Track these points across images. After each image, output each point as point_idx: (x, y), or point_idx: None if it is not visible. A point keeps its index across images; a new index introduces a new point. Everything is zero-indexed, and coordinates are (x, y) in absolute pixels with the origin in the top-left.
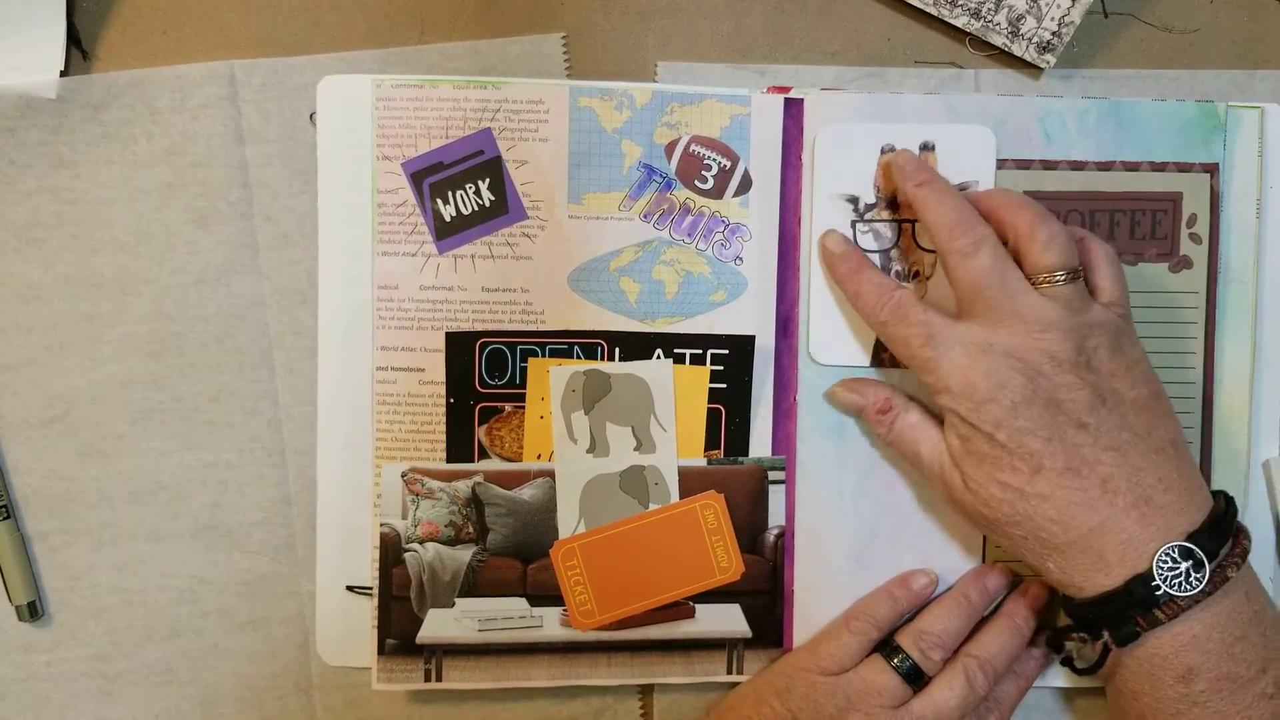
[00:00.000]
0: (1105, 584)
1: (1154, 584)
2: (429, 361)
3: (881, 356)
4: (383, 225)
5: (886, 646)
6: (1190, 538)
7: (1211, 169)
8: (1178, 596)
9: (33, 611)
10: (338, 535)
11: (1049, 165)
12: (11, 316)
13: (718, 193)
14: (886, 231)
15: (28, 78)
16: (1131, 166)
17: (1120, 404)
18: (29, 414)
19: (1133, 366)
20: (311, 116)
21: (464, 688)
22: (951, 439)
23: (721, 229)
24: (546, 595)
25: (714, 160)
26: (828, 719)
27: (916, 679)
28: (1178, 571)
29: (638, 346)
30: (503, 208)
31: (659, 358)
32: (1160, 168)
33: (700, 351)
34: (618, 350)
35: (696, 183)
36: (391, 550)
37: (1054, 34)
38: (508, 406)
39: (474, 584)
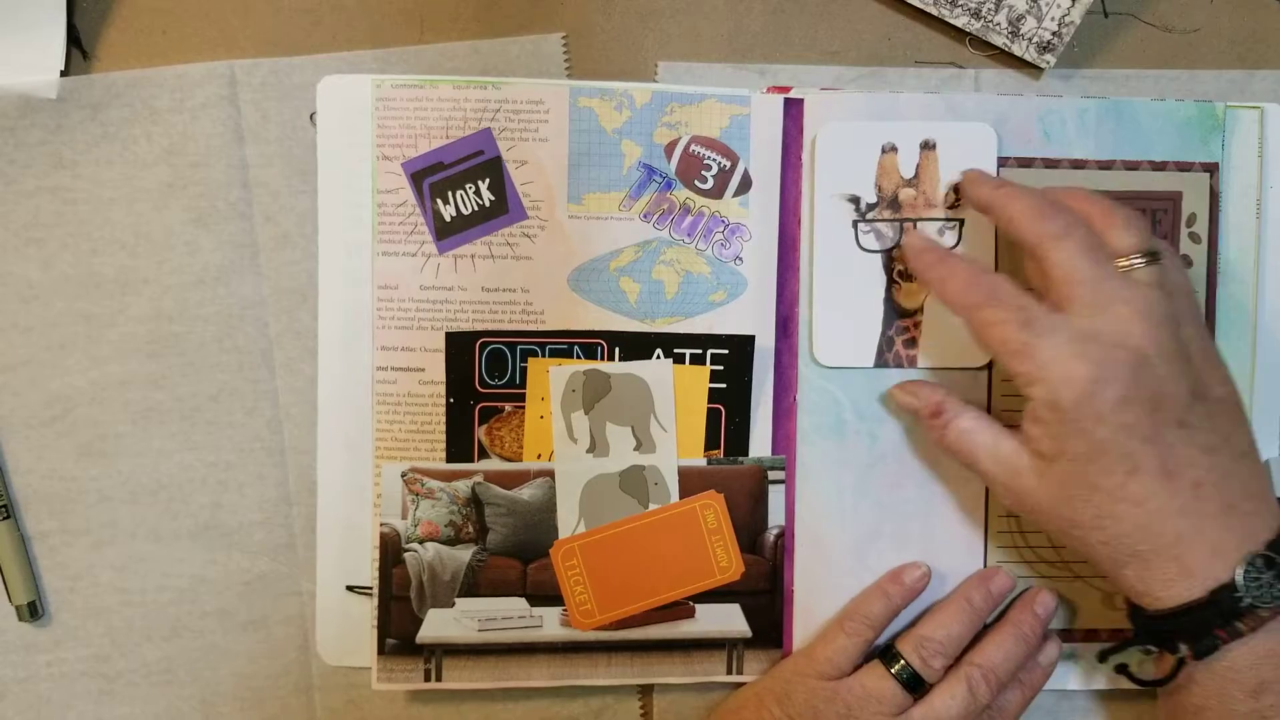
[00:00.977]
0: (1187, 595)
1: (1238, 594)
2: (429, 361)
3: (884, 357)
4: (383, 225)
5: (887, 653)
6: (1271, 547)
7: (1211, 168)
8: (1260, 608)
9: (33, 611)
10: (338, 535)
11: (1050, 164)
12: (11, 316)
13: (717, 193)
14: (888, 231)
15: (28, 78)
16: (1132, 166)
17: (1212, 401)
18: (29, 414)
19: (1219, 362)
20: (311, 116)
21: (464, 687)
22: (1037, 434)
23: (721, 229)
24: (546, 595)
25: (714, 160)
26: None
27: (917, 686)
28: (1260, 582)
29: (638, 346)
30: (503, 208)
31: (659, 358)
32: (1160, 167)
33: (700, 351)
34: (618, 350)
35: (696, 183)
36: (391, 550)
37: (1054, 34)
38: (508, 406)
39: (474, 584)
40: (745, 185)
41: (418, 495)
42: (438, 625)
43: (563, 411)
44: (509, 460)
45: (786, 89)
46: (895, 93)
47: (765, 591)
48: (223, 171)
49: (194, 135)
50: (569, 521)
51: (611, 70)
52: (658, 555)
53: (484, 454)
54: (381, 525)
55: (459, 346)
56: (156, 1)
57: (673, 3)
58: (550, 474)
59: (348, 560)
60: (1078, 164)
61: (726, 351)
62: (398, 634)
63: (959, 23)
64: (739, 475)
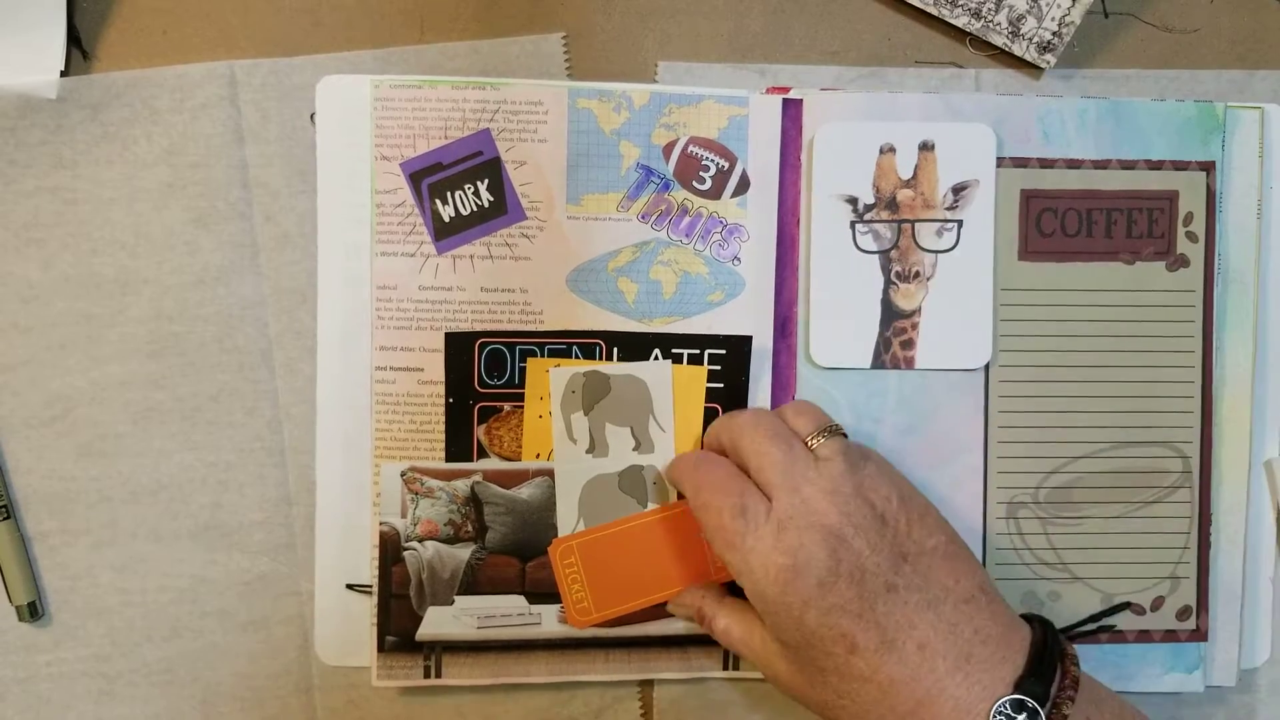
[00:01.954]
0: None
1: None
2: (428, 361)
3: (882, 358)
4: (382, 225)
5: None
6: (1018, 686)
7: (1208, 167)
8: None
9: (33, 611)
10: (337, 534)
11: (1046, 163)
12: (11, 316)
13: (715, 193)
14: (886, 232)
15: (28, 78)
16: (1128, 165)
17: (922, 556)
18: (29, 414)
19: (924, 514)
20: (311, 117)
21: (463, 684)
22: (764, 627)
23: (719, 229)
24: (545, 593)
25: (712, 161)
26: None
27: None
28: None
29: (636, 346)
30: (501, 208)
31: (657, 358)
32: (1157, 166)
33: (698, 351)
34: (616, 350)
35: (694, 183)
36: (391, 549)
37: (1054, 34)
38: (506, 406)
39: (473, 582)
40: (743, 186)
41: (417, 494)
42: (437, 623)
43: (562, 412)
44: (508, 460)
45: (786, 89)
46: (895, 93)
47: None
48: (223, 172)
49: (194, 135)
50: (568, 521)
51: (611, 70)
52: (655, 554)
53: (483, 453)
54: (381, 524)
55: (458, 346)
56: (156, 1)
57: (673, 3)
58: (549, 473)
59: (347, 559)
60: (1073, 163)
61: (724, 352)
62: (397, 631)
63: (959, 23)
64: None
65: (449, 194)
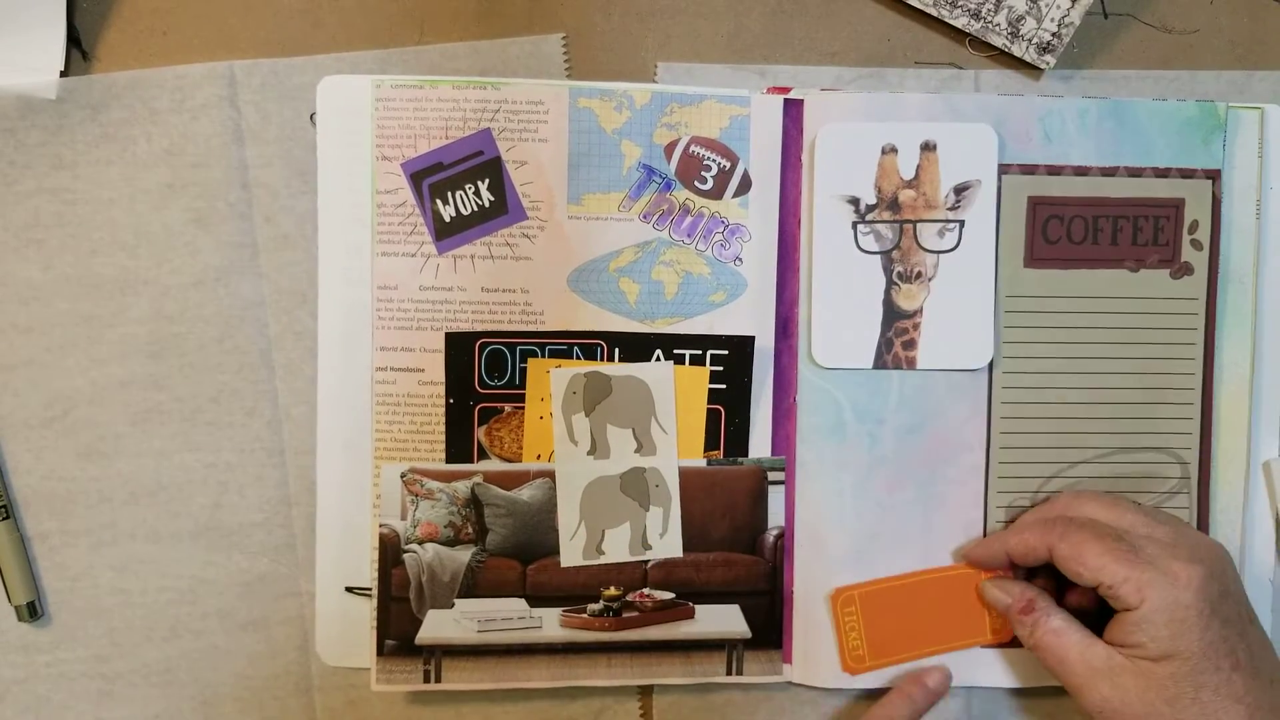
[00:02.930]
0: None
1: None
2: (428, 362)
3: (884, 358)
4: (382, 226)
5: None
6: None
7: (1214, 175)
8: None
9: (32, 612)
10: (337, 536)
11: (1053, 170)
12: (11, 317)
13: (717, 193)
14: (887, 233)
15: (28, 78)
16: (1135, 172)
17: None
18: (29, 414)
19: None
20: (311, 117)
21: (463, 688)
22: (1145, 638)
23: (721, 229)
24: (546, 596)
25: (713, 161)
26: None
27: None
28: None
29: (637, 347)
30: (502, 208)
31: (659, 358)
32: (1163, 174)
33: (700, 352)
34: (617, 351)
35: (696, 183)
36: (391, 551)
37: (1054, 35)
38: (507, 407)
39: (473, 585)
40: (745, 186)
41: (417, 496)
42: (437, 626)
43: (563, 414)
44: (508, 461)
45: (786, 89)
46: (895, 93)
47: (765, 592)
48: (222, 172)
49: (194, 136)
50: (569, 524)
51: (611, 71)
52: (934, 611)
53: (483, 455)
54: (381, 526)
55: (458, 347)
56: (156, 2)
57: (673, 3)
58: (550, 475)
59: (347, 561)
60: (1080, 171)
61: (726, 352)
62: (397, 635)
63: (959, 24)
64: (739, 476)
65: (450, 194)
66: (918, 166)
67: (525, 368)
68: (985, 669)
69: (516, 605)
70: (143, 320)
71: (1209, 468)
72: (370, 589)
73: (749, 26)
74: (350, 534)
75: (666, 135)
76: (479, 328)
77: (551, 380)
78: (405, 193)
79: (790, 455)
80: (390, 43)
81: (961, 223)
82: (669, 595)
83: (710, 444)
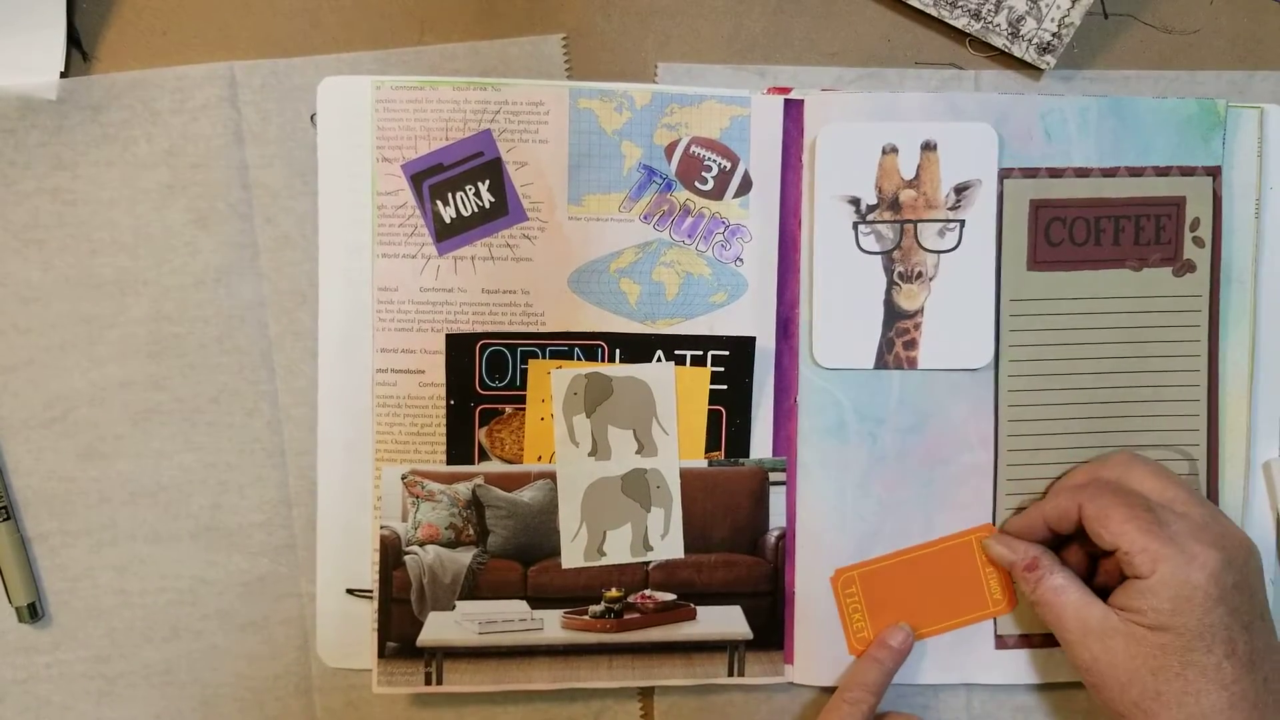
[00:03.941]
0: None
1: None
2: (429, 363)
3: (885, 359)
4: (383, 227)
5: None
6: None
7: (1214, 172)
8: None
9: (33, 612)
10: (338, 537)
11: (1055, 173)
12: (11, 317)
13: (718, 194)
14: (888, 233)
15: (28, 79)
16: (1136, 172)
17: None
18: (29, 415)
19: None
20: (312, 118)
21: (464, 690)
22: (1146, 606)
23: (721, 230)
24: (547, 598)
25: (714, 161)
26: None
27: None
28: None
29: (638, 348)
30: (503, 209)
31: (659, 359)
32: (1164, 172)
33: (701, 353)
34: (618, 352)
35: (696, 184)
36: (392, 553)
37: (1054, 35)
38: (508, 408)
39: (474, 586)
40: (745, 186)
41: (418, 498)
42: (438, 628)
43: (564, 414)
44: (509, 462)
45: (787, 90)
46: (895, 93)
47: (766, 593)
48: (223, 173)
49: (194, 136)
50: (570, 525)
51: (611, 71)
52: (933, 585)
53: (484, 456)
54: (381, 528)
55: (459, 348)
56: (156, 2)
57: (673, 4)
58: (551, 476)
59: (348, 562)
60: (1081, 172)
61: (727, 353)
62: (398, 637)
63: (959, 24)
64: (740, 477)
65: (450, 195)
66: (918, 166)
67: (526, 369)
68: (985, 667)
69: (518, 607)
70: (143, 320)
71: (1216, 467)
72: (371, 591)
73: (749, 27)
74: (351, 535)
75: (667, 136)
76: (479, 329)
77: (552, 381)
78: (406, 194)
79: (791, 456)
80: (390, 43)
81: (962, 222)
82: (670, 596)
83: (711, 445)
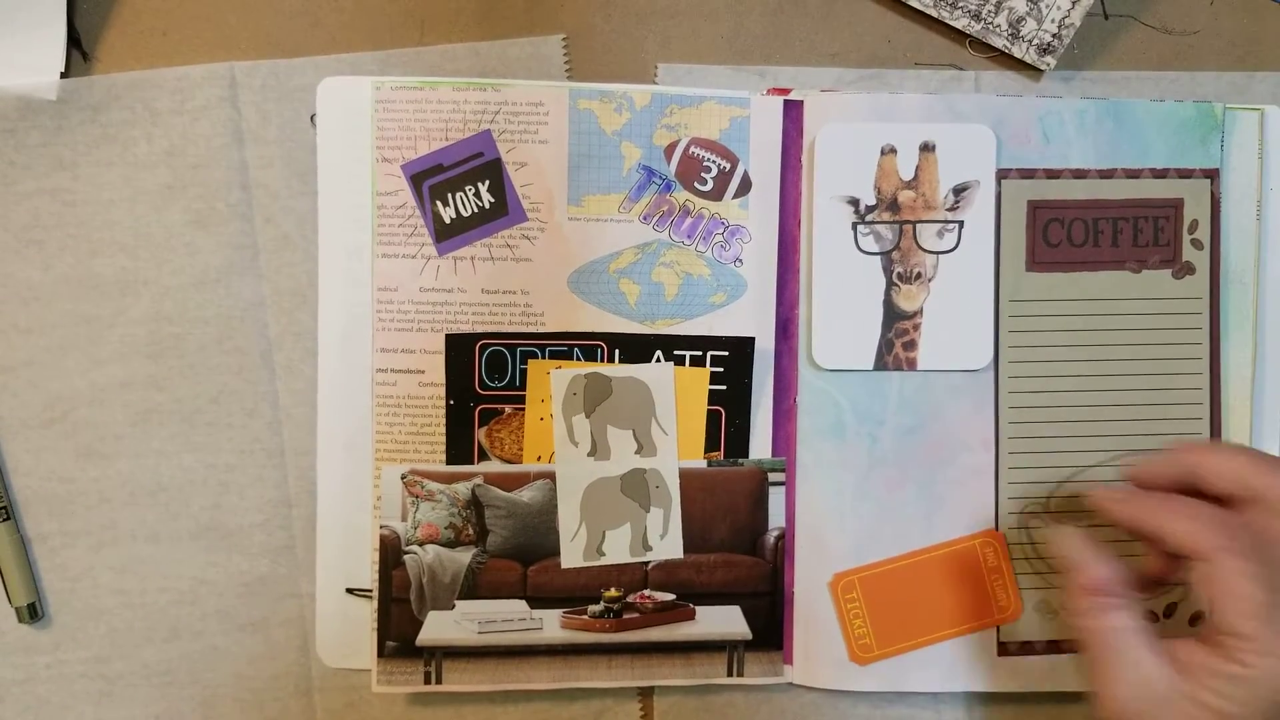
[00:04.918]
0: None
1: None
2: (429, 363)
3: (884, 360)
4: (382, 227)
5: None
6: None
7: (1212, 174)
8: None
9: (32, 613)
10: (337, 537)
11: (1052, 174)
12: (11, 318)
13: (717, 194)
14: (887, 233)
15: (28, 79)
16: (1133, 174)
17: None
18: (29, 415)
19: None
20: (312, 118)
21: (464, 690)
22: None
23: (721, 231)
24: (546, 597)
25: (713, 162)
26: None
27: None
28: None
29: (637, 348)
30: (502, 210)
31: (659, 360)
32: (1161, 174)
33: (700, 353)
34: (617, 352)
35: (696, 184)
36: (391, 552)
37: (1054, 36)
38: (507, 408)
39: (474, 586)
40: (745, 187)
41: (417, 497)
42: (438, 628)
43: (564, 415)
44: (509, 462)
45: (786, 91)
46: (895, 94)
47: (765, 594)
48: (223, 173)
49: (194, 137)
50: (570, 525)
51: (611, 72)
52: (936, 591)
53: (484, 456)
54: (381, 527)
55: (459, 348)
56: (156, 2)
57: (673, 4)
58: (550, 476)
59: (347, 562)
60: (1079, 173)
61: (726, 353)
62: (397, 636)
63: (959, 25)
64: (739, 477)
65: (450, 195)
66: (916, 167)
67: (525, 369)
68: (987, 675)
69: (517, 607)
70: (142, 321)
71: None
72: (371, 590)
73: (749, 27)
74: (351, 535)
75: (666, 136)
76: (479, 329)
77: (552, 381)
78: (405, 194)
79: (790, 456)
80: (390, 44)
81: (960, 223)
82: (669, 596)
83: (710, 445)
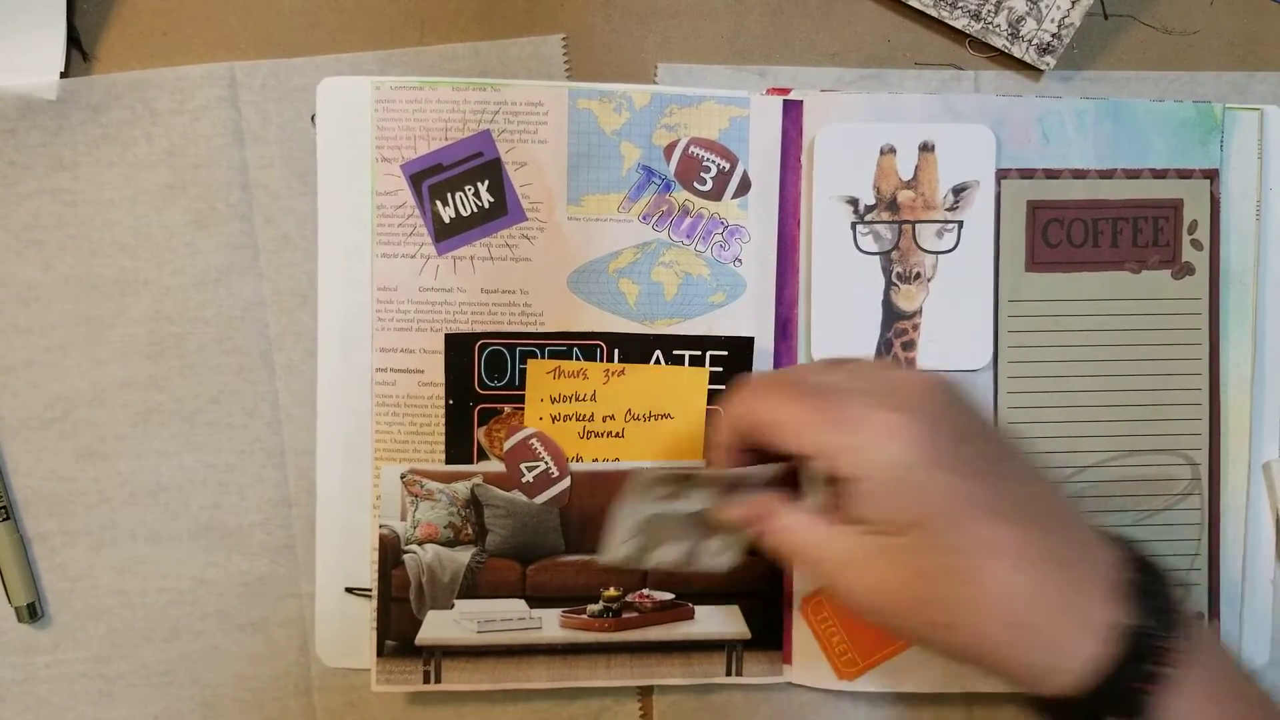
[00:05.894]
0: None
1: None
2: (428, 363)
3: (883, 359)
4: (382, 227)
5: None
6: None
7: (1211, 175)
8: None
9: (32, 613)
10: (337, 537)
11: (1052, 174)
12: (11, 318)
13: (716, 194)
14: (886, 233)
15: (28, 79)
16: (1133, 174)
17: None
18: (29, 415)
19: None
20: (312, 118)
21: (463, 689)
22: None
23: (720, 230)
24: (545, 597)
25: (713, 162)
26: None
27: None
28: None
29: (637, 348)
30: (502, 209)
31: (658, 359)
32: (1161, 174)
33: (699, 353)
34: (617, 352)
35: (695, 184)
36: (390, 552)
37: (1054, 36)
38: (507, 408)
39: (473, 585)
40: (744, 187)
41: (417, 497)
42: (437, 627)
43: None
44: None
45: (786, 90)
46: (895, 94)
47: (765, 593)
48: (223, 173)
49: (194, 137)
50: (623, 532)
51: (611, 72)
52: None
53: (483, 456)
54: (380, 527)
55: (458, 348)
56: (156, 2)
57: (673, 4)
58: None
59: (347, 562)
60: (1078, 173)
61: (726, 353)
62: (397, 636)
63: (959, 24)
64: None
65: (449, 195)
66: (916, 167)
67: (525, 369)
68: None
69: (516, 606)
70: (143, 321)
71: (1219, 471)
72: (370, 590)
73: (749, 27)
74: (350, 535)
75: (666, 136)
76: (479, 329)
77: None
78: (405, 194)
79: None
80: (390, 43)
81: (960, 223)
82: (669, 596)
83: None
